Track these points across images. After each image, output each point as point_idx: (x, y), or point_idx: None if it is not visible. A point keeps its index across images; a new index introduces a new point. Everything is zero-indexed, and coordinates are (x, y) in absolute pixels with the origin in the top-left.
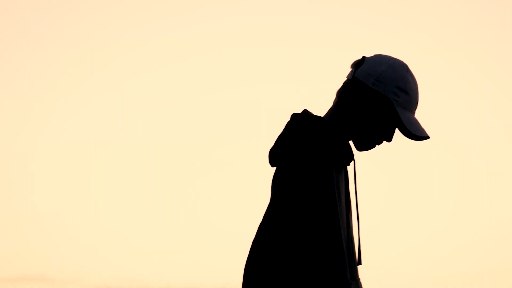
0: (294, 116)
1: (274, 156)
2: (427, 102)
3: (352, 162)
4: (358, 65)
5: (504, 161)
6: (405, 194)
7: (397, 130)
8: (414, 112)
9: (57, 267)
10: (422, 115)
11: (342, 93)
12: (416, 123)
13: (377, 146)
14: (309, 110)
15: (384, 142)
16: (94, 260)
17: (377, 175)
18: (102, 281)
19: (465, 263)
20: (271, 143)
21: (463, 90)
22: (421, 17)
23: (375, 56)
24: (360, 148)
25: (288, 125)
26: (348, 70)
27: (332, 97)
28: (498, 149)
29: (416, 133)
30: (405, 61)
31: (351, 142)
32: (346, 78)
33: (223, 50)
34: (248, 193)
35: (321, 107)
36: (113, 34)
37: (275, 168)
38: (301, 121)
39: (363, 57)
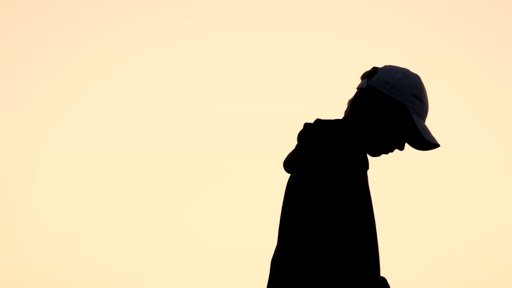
0: (309, 124)
1: (297, 162)
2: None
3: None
4: (371, 74)
5: (495, 169)
6: (394, 203)
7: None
8: (425, 120)
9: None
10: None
11: (356, 101)
12: (428, 131)
13: (389, 153)
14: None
15: (396, 151)
16: (95, 271)
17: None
18: None
19: (455, 274)
20: (270, 151)
21: (451, 98)
22: (409, 25)
23: (388, 66)
24: (373, 154)
25: (305, 132)
26: (351, 77)
27: (335, 107)
28: (489, 158)
29: (431, 140)
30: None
31: None
32: (357, 89)
33: (223, 62)
34: (250, 205)
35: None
36: (115, 43)
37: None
38: (322, 127)
39: (375, 68)
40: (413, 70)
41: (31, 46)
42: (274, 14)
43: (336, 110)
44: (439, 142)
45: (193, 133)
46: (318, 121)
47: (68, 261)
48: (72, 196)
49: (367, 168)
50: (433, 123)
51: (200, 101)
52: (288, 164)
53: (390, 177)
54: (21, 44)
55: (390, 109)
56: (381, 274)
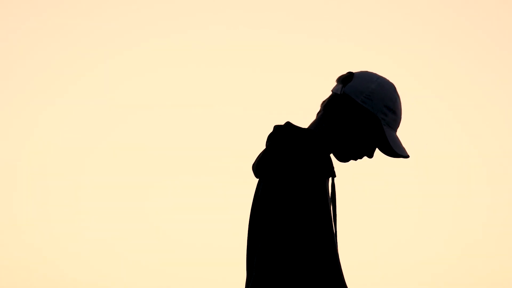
0: (278, 128)
1: (263, 167)
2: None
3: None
4: (346, 80)
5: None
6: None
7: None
8: (396, 131)
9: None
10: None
11: (329, 106)
12: (399, 142)
13: (358, 160)
14: (292, 121)
15: (365, 158)
16: (85, 271)
17: (350, 191)
18: None
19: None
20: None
21: (432, 100)
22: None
23: (363, 72)
24: (341, 160)
25: (273, 136)
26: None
27: (316, 109)
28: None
29: (400, 153)
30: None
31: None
32: (331, 92)
33: (222, 62)
34: (249, 204)
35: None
36: (103, 38)
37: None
38: (289, 133)
39: (350, 73)
40: (415, 70)
41: (19, 40)
42: (271, 14)
43: None
44: (408, 153)
45: (190, 132)
46: (287, 125)
47: (56, 260)
48: (58, 193)
49: (333, 175)
50: (418, 123)
51: (198, 100)
52: (257, 169)
53: (382, 177)
54: (8, 38)
55: (361, 119)
56: (357, 273)
